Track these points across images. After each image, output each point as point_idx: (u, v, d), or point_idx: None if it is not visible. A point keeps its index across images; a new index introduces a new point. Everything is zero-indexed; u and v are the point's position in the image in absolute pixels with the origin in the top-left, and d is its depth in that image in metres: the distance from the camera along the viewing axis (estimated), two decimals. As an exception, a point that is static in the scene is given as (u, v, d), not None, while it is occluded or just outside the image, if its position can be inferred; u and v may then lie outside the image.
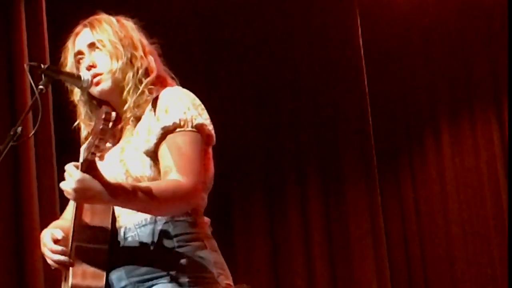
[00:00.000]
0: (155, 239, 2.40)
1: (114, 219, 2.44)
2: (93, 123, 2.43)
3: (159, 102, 2.47)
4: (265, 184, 6.76)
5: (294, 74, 6.79)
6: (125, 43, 2.53)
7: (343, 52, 6.72)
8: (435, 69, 6.74)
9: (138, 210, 2.37)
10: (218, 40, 6.61)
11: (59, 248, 2.39)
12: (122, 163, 2.45)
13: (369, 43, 6.73)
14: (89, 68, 2.53)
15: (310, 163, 6.71)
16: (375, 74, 6.73)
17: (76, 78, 2.52)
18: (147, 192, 2.27)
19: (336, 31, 6.73)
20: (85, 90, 2.55)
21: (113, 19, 2.59)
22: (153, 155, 2.43)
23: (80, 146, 2.54)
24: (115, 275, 2.42)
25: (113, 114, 2.18)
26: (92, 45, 2.55)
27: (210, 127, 2.48)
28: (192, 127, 2.42)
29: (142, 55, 2.54)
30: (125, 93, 2.50)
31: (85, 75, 2.52)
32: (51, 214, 4.29)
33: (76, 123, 2.63)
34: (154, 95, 2.49)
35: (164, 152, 2.40)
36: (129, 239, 2.42)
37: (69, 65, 2.58)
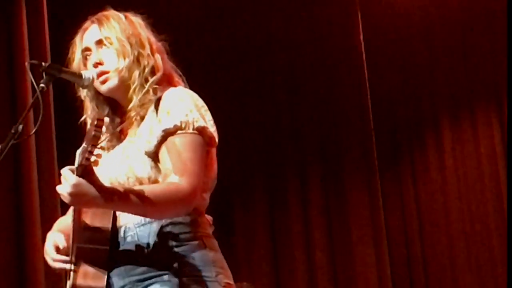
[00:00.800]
0: (154, 239, 2.40)
1: (115, 218, 2.44)
2: None
3: (161, 103, 2.45)
4: (266, 182, 6.77)
5: (295, 74, 6.79)
6: (132, 41, 2.52)
7: (344, 51, 6.73)
8: (436, 69, 6.74)
9: (134, 214, 2.37)
10: (218, 40, 6.61)
11: (61, 257, 2.43)
12: (124, 163, 2.44)
13: (370, 42, 6.74)
14: (96, 65, 2.52)
15: (311, 161, 6.72)
16: (376, 73, 6.74)
17: (77, 77, 2.50)
18: (142, 196, 2.26)
19: (337, 30, 6.73)
20: (86, 88, 2.55)
21: (121, 15, 2.58)
22: (153, 156, 2.42)
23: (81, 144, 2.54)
24: (115, 274, 2.42)
25: (106, 119, 2.20)
26: (99, 42, 2.54)
27: (213, 129, 2.46)
28: (193, 129, 2.40)
29: (149, 53, 2.53)
30: (130, 91, 2.49)
31: (87, 73, 2.51)
32: (53, 212, 4.30)
33: (82, 118, 2.62)
34: (158, 95, 2.48)
35: (164, 155, 2.39)
36: (129, 238, 2.43)
37: (76, 61, 2.57)
